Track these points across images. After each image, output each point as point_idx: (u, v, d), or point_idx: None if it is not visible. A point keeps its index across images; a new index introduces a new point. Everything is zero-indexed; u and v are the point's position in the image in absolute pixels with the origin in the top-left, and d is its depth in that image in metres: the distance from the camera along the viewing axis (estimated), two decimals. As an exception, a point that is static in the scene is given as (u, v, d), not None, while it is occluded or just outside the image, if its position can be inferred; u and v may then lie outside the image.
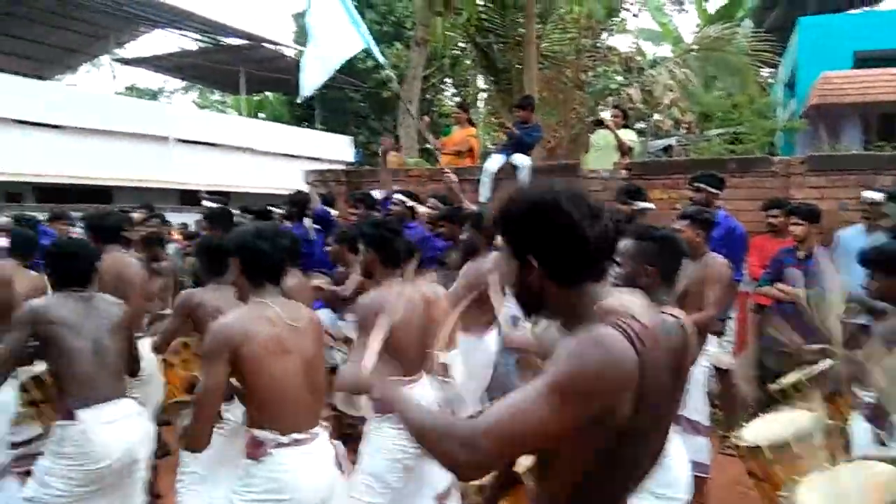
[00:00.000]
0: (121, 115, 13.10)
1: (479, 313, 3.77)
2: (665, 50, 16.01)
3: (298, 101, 5.25)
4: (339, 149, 19.20)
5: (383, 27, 19.29)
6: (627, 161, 6.87)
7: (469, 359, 3.85)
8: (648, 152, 11.41)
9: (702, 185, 4.65)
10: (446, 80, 17.73)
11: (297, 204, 5.93)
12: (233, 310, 2.35)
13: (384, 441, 2.84)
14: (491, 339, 4.05)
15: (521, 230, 1.29)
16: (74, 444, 2.58)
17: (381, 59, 5.69)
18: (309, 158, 16.76)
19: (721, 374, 4.16)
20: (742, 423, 2.89)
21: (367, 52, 5.49)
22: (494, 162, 7.05)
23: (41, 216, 8.62)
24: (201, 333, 3.07)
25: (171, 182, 13.76)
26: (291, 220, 5.91)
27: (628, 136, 7.39)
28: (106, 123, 12.72)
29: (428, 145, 8.70)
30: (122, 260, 3.84)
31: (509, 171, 6.93)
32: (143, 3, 13.06)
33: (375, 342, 1.79)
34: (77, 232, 6.66)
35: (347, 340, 3.88)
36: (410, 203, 5.38)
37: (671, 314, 1.51)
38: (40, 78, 16.18)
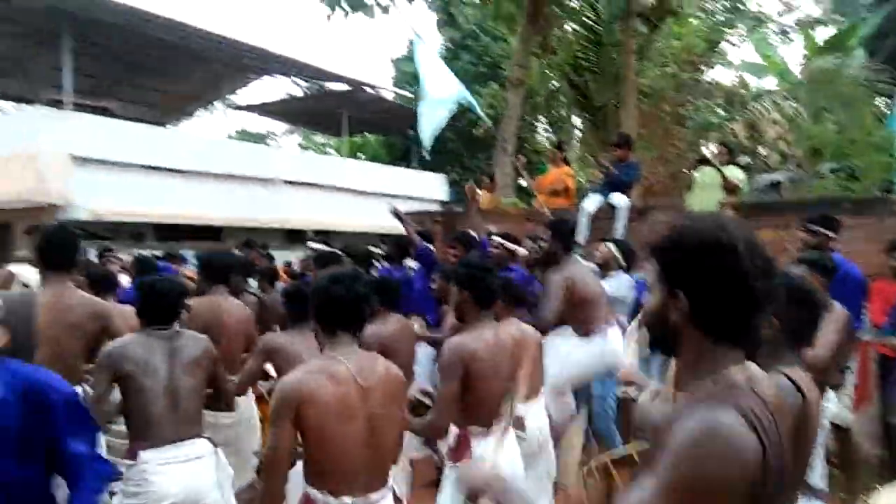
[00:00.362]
0: (232, 159, 13.93)
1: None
2: (770, 82, 15.42)
3: (424, 152, 5.37)
4: (434, 187, 19.53)
5: (479, 68, 19.64)
6: (734, 200, 6.59)
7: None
8: (755, 189, 10.94)
9: (817, 228, 4.38)
10: (540, 117, 17.77)
11: (399, 246, 6.03)
12: (301, 366, 2.25)
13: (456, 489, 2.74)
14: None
15: (681, 263, 1.21)
16: (136, 484, 2.62)
17: (480, 113, 5.69)
18: (405, 197, 17.14)
19: (840, 431, 3.86)
20: (874, 486, 2.64)
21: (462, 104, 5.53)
22: (592, 202, 6.94)
23: (159, 253, 9.28)
24: (280, 377, 3.13)
25: (276, 221, 14.42)
26: (392, 262, 6.02)
27: (734, 173, 7.09)
28: (219, 167, 13.55)
29: (522, 182, 8.72)
30: (220, 302, 3.93)
31: (607, 210, 6.80)
32: (256, 54, 13.91)
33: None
34: (190, 270, 7.09)
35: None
36: (510, 245, 5.34)
37: (790, 376, 1.41)
38: (161, 124, 17.52)
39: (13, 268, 4.35)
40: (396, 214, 5.68)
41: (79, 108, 11.88)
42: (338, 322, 2.26)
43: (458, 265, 3.24)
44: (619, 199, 6.74)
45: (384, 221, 7.76)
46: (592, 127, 11.71)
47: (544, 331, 3.95)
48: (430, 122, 5.63)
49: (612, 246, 5.01)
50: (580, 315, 4.13)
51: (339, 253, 5.60)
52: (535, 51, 9.21)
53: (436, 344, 4.56)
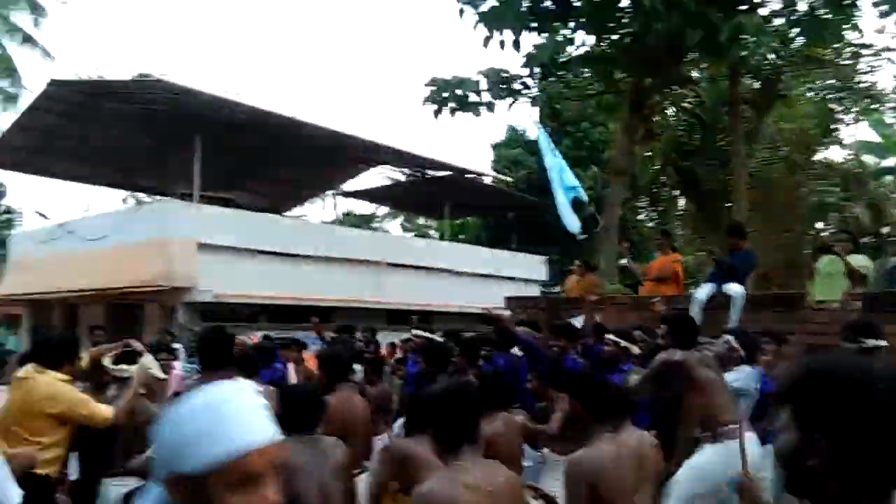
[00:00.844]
0: (340, 244, 14.59)
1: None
2: (891, 161, 14.63)
3: (579, 238, 5.40)
4: (533, 268, 19.52)
5: (579, 152, 19.84)
6: (860, 290, 6.21)
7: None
8: (881, 274, 10.23)
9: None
10: (641, 198, 17.59)
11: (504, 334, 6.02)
12: (436, 474, 2.32)
13: None
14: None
15: (817, 404, 1.14)
16: None
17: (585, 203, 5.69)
18: (504, 278, 17.23)
19: None
20: None
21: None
22: (704, 291, 6.73)
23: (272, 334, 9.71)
24: (410, 483, 3.12)
25: (380, 303, 14.82)
26: (499, 349, 5.99)
27: (859, 261, 6.70)
28: (328, 251, 14.21)
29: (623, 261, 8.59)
30: (350, 400, 4.05)
31: (720, 300, 6.56)
32: (365, 145, 14.73)
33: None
34: (309, 354, 7.30)
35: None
36: (624, 343, 5.22)
37: None
38: (276, 212, 18.67)
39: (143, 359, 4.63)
40: (489, 318, 5.71)
41: (205, 199, 12.91)
42: (460, 438, 2.33)
43: (571, 373, 3.19)
44: (734, 289, 6.50)
45: (484, 302, 7.83)
46: (700, 211, 11.47)
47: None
48: (566, 208, 5.68)
49: (730, 338, 4.81)
50: (705, 418, 3.92)
51: (446, 346, 5.63)
52: (638, 139, 9.23)
53: (544, 438, 4.47)
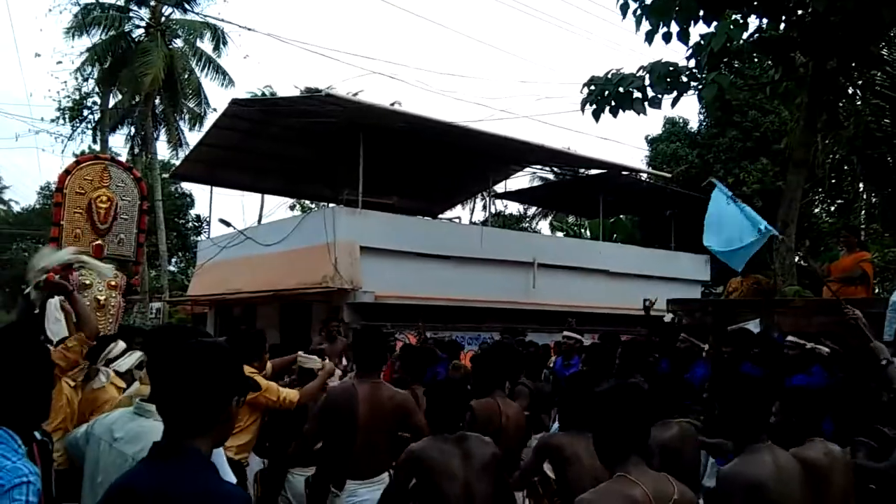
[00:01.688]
0: (493, 245, 14.71)
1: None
2: None
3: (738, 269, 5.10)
4: (694, 268, 18.50)
5: (747, 143, 18.55)
6: None
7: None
8: None
9: None
10: (821, 192, 16.08)
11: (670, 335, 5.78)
12: (600, 487, 2.18)
13: None
14: None
15: None
16: None
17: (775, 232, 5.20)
18: (663, 279, 16.48)
19: None
20: None
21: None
22: (902, 294, 6.01)
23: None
24: (557, 477, 3.05)
25: (533, 304, 14.76)
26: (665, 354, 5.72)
27: None
28: (481, 252, 14.39)
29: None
30: (499, 404, 4.07)
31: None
32: (520, 147, 14.76)
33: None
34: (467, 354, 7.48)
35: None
36: (809, 345, 4.80)
37: None
38: (433, 215, 19.21)
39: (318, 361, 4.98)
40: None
41: (366, 204, 13.57)
42: (630, 444, 2.19)
43: (718, 380, 2.96)
44: (940, 292, 5.74)
45: (639, 303, 7.52)
46: (889, 202, 10.27)
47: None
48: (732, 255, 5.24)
49: None
50: None
51: (606, 347, 5.50)
52: (821, 128, 8.41)
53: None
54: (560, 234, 28.12)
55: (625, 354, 5.46)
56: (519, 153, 15.73)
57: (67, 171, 7.73)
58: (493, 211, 25.31)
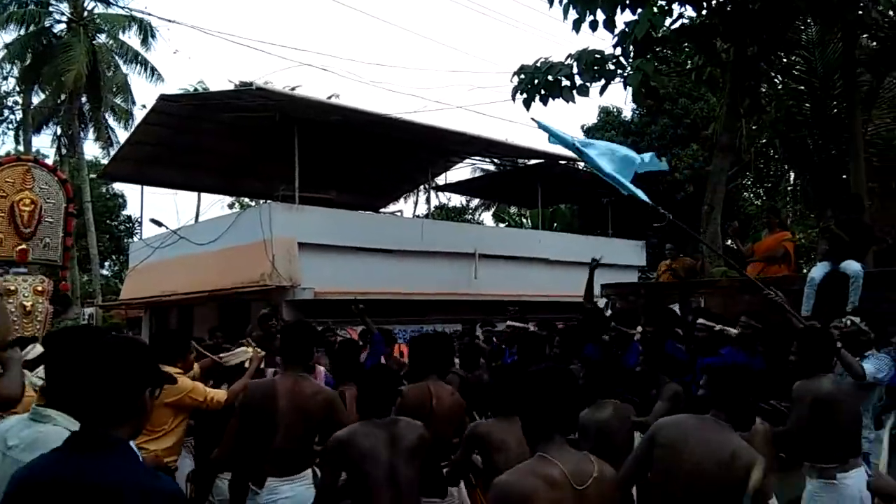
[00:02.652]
0: (434, 237, 14.70)
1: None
2: None
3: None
4: (631, 254, 18.92)
5: (678, 130, 19.03)
6: None
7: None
8: None
9: None
10: (749, 175, 16.66)
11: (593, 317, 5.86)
12: (516, 467, 2.16)
13: None
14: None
15: None
16: None
17: (643, 197, 5.32)
18: (601, 265, 16.76)
19: None
20: None
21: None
22: (819, 270, 6.27)
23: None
24: (485, 464, 3.06)
25: (475, 295, 14.82)
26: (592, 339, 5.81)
27: None
28: (423, 245, 14.36)
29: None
30: (431, 388, 3.99)
31: (838, 280, 6.09)
32: (458, 138, 14.77)
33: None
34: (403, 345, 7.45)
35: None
36: (718, 326, 4.93)
37: None
38: (373, 209, 19.06)
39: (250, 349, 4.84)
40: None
41: (304, 200, 13.34)
42: (553, 425, 2.17)
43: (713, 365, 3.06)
44: (852, 267, 6.01)
45: (579, 290, 7.64)
46: (812, 184, 10.70)
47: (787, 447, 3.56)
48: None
49: (856, 319, 4.44)
50: (823, 448, 3.61)
51: (540, 335, 5.55)
52: (745, 113, 8.68)
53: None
54: (502, 225, 28.36)
55: (562, 342, 5.53)
56: (457, 144, 15.76)
57: (-13, 174, 7.39)
58: (435, 203, 25.37)
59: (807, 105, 10.23)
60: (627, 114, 21.03)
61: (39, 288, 7.12)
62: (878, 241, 6.69)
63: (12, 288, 6.93)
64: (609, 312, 7.76)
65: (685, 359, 4.95)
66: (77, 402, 1.73)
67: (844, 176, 8.94)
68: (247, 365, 4.52)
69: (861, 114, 8.96)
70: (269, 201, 14.52)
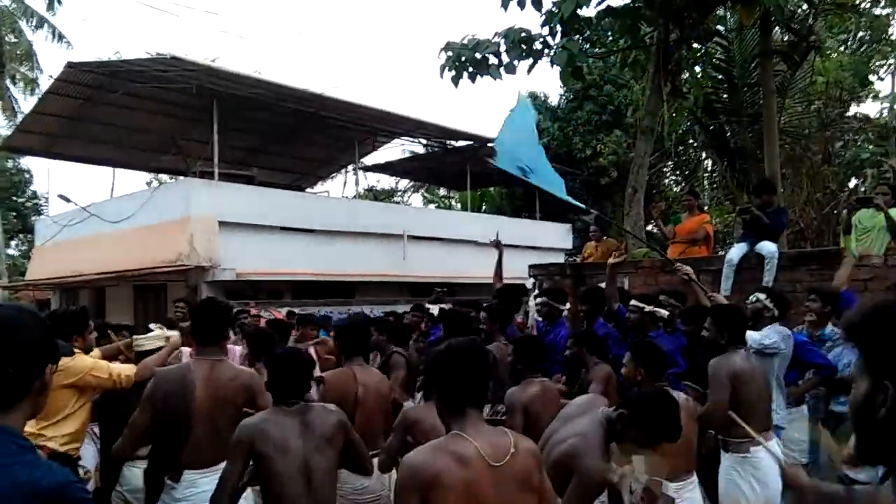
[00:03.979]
0: (362, 218, 14.47)
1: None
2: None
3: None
4: (558, 237, 19.26)
5: (602, 116, 19.38)
6: (904, 244, 5.91)
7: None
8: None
9: None
10: (669, 162, 17.17)
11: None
12: (426, 444, 2.09)
13: None
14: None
15: (887, 347, 1.03)
16: None
17: (567, 198, 5.37)
18: (529, 248, 16.98)
19: None
20: None
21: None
22: (737, 251, 6.48)
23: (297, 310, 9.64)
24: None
25: (404, 276, 14.71)
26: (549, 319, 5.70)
27: (901, 215, 6.38)
28: (350, 226, 14.11)
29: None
30: (356, 374, 3.87)
31: (754, 260, 6.32)
32: (386, 118, 14.52)
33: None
34: (324, 338, 7.22)
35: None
36: (649, 308, 4.99)
37: None
38: (299, 188, 18.59)
39: (164, 332, 4.54)
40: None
41: (225, 177, 12.84)
42: (464, 400, 2.07)
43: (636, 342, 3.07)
44: (767, 248, 6.24)
45: (510, 273, 7.66)
46: (729, 170, 11.11)
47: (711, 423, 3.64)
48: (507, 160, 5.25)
49: (762, 296, 4.58)
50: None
51: (466, 313, 5.47)
52: (665, 97, 8.89)
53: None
54: (431, 207, 28.27)
55: (486, 320, 5.47)
56: (384, 123, 15.50)
57: None
58: (364, 185, 25.01)
59: (723, 93, 10.57)
60: (554, 99, 21.26)
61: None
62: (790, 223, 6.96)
63: None
64: (535, 292, 7.80)
65: (616, 338, 4.99)
66: None
67: (759, 163, 9.28)
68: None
69: (775, 103, 9.31)
70: (187, 177, 13.90)
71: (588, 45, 8.28)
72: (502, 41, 7.47)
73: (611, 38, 9.62)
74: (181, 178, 15.74)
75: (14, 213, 28.30)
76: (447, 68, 7.68)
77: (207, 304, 3.54)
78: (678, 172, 18.11)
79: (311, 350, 6.32)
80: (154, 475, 3.37)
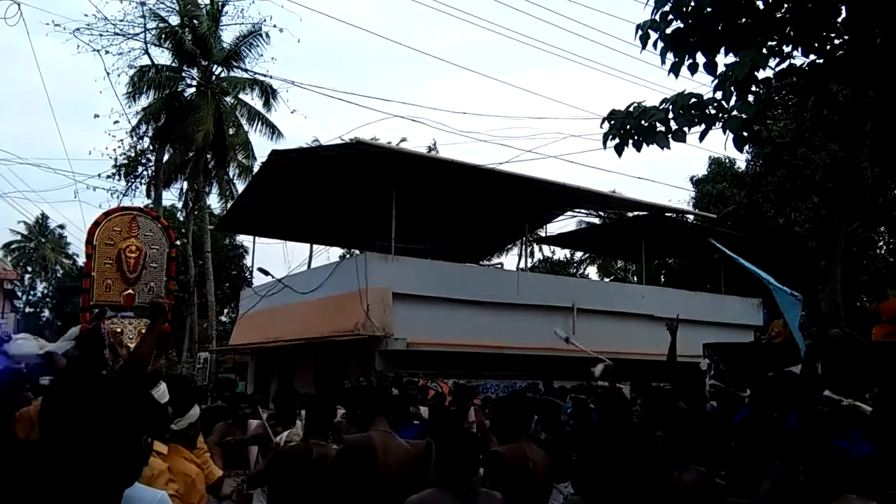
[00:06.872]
0: (530, 290, 14.38)
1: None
2: None
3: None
4: (745, 312, 17.68)
5: (797, 182, 17.85)
6: None
7: None
8: None
9: None
10: (883, 230, 15.23)
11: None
12: None
13: None
14: None
15: None
16: None
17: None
18: (712, 324, 15.73)
19: None
20: None
21: None
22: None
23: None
24: None
25: (570, 351, 14.24)
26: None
27: None
28: (517, 298, 14.07)
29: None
30: (520, 451, 3.73)
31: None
32: (559, 190, 14.54)
33: None
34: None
35: None
36: (847, 401, 4.28)
37: None
38: (474, 261, 19.00)
39: None
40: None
41: (400, 251, 13.49)
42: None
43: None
44: None
45: (688, 349, 7.12)
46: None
47: None
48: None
49: None
50: None
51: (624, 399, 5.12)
52: (864, 157, 7.93)
53: None
54: (607, 280, 27.50)
55: (646, 404, 5.06)
56: (556, 196, 15.49)
57: (96, 224, 7.86)
58: (537, 257, 25.03)
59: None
60: (741, 165, 19.99)
61: (143, 330, 7.43)
62: None
63: (119, 330, 7.24)
64: (711, 374, 7.13)
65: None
66: (81, 455, 1.49)
67: None
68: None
69: None
70: (365, 252, 14.82)
71: (766, 107, 7.67)
72: (671, 107, 7.18)
73: (796, 100, 8.87)
74: (359, 252, 16.85)
75: (227, 284, 31.88)
76: (610, 137, 7.50)
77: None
78: (891, 240, 16.00)
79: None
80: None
